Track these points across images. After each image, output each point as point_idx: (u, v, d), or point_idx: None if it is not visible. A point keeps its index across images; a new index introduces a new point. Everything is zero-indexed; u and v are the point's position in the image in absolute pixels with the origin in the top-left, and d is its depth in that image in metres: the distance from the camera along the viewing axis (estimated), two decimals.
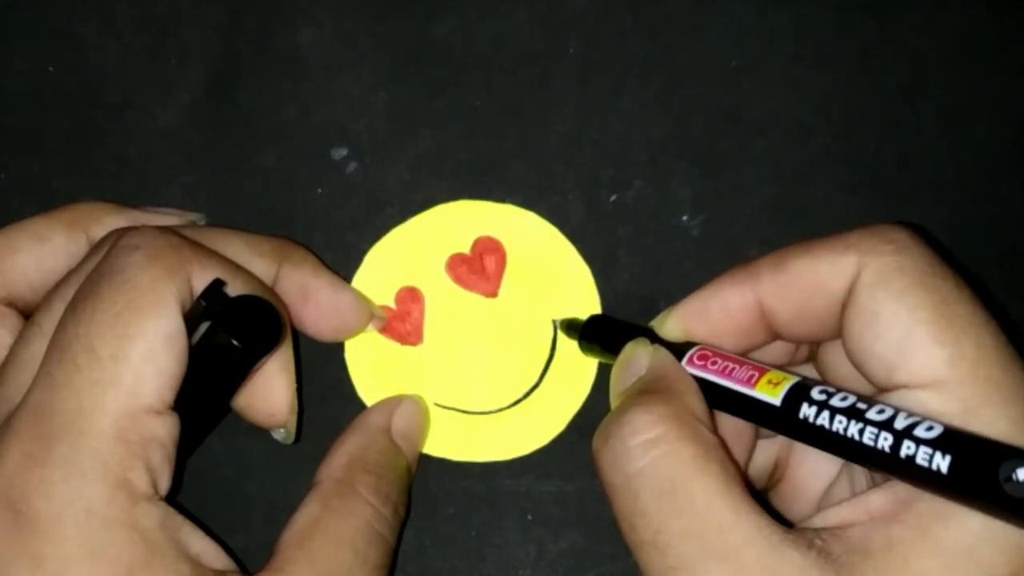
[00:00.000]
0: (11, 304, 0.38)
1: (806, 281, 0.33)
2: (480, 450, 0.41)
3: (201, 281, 0.34)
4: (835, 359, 0.35)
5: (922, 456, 0.28)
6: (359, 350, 0.42)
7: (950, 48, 0.44)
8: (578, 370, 0.41)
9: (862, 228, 0.33)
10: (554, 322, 0.42)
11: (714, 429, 0.32)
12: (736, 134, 0.44)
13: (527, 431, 0.41)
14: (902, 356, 0.31)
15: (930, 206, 0.43)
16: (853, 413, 0.30)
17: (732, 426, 0.35)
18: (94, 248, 0.37)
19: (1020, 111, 0.44)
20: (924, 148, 0.44)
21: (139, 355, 0.32)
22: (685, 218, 0.43)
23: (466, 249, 0.42)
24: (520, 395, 0.41)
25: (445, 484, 0.41)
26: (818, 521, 0.31)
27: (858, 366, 0.32)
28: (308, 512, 0.35)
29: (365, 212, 0.43)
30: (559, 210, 0.43)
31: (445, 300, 0.42)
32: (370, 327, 0.41)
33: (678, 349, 0.35)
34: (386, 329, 0.42)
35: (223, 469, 0.41)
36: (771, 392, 0.32)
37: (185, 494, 0.35)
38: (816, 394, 0.31)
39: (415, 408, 0.40)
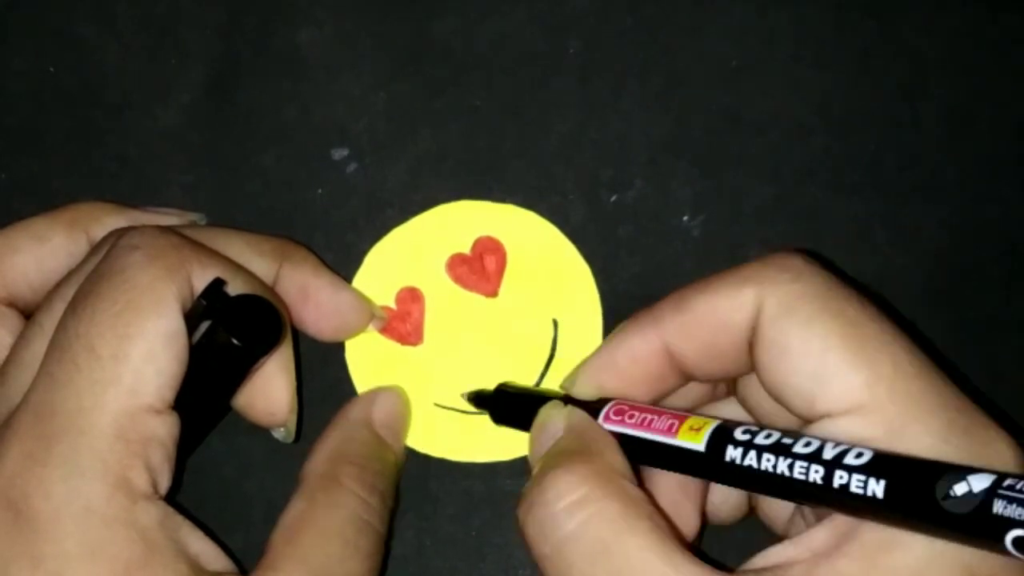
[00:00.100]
0: (11, 304, 0.38)
1: (708, 319, 0.33)
2: (480, 450, 0.41)
3: (201, 280, 0.34)
4: (756, 392, 0.34)
5: (856, 484, 0.28)
6: (359, 350, 0.42)
7: (950, 48, 0.44)
8: None
9: (758, 260, 0.33)
10: (554, 322, 0.42)
11: (639, 483, 0.32)
12: (736, 134, 0.44)
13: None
14: (819, 386, 0.30)
15: (930, 206, 0.43)
16: (779, 449, 0.30)
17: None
18: (94, 248, 0.37)
19: (1020, 111, 0.44)
20: (924, 148, 0.44)
21: (139, 354, 0.32)
22: (685, 218, 0.43)
23: (466, 249, 0.42)
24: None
25: (445, 484, 0.41)
26: (760, 561, 0.30)
27: (777, 399, 0.32)
28: (295, 508, 0.35)
29: (365, 212, 0.43)
30: (559, 210, 0.43)
31: (445, 300, 0.42)
32: (370, 327, 0.41)
33: (593, 407, 0.35)
34: (386, 329, 0.42)
35: (223, 469, 0.41)
36: (694, 438, 0.32)
37: (185, 494, 0.35)
38: (740, 435, 0.31)
39: (395, 399, 0.40)
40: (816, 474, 0.29)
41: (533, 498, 0.31)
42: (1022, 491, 0.26)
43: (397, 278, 0.42)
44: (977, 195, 0.43)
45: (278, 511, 0.35)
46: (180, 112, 0.44)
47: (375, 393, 0.40)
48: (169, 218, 0.40)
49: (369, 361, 0.42)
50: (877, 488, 0.28)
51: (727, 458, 0.31)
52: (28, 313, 0.37)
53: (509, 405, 0.39)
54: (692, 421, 0.32)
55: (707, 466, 0.32)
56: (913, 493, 0.27)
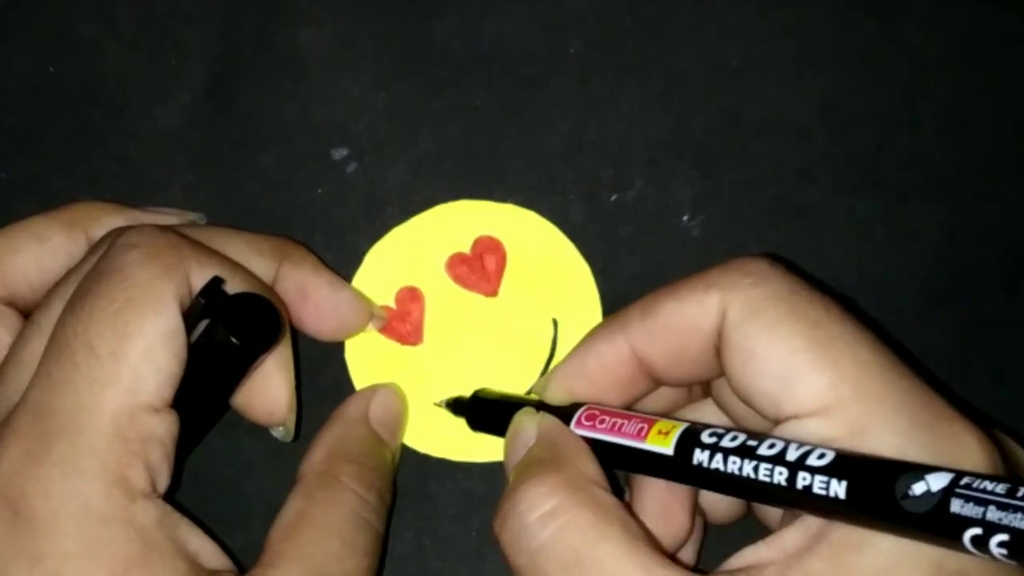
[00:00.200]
0: (11, 304, 0.38)
1: (674, 325, 0.33)
2: (480, 450, 0.41)
3: (200, 279, 0.34)
4: (730, 394, 0.34)
5: (818, 485, 0.28)
6: (359, 350, 0.42)
7: (950, 48, 0.44)
8: None
9: (722, 264, 0.33)
10: (554, 322, 0.42)
11: (612, 489, 0.32)
12: (736, 134, 0.44)
13: None
14: (785, 388, 0.30)
15: (930, 206, 0.43)
16: (745, 452, 0.30)
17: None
18: (93, 247, 0.37)
19: (1020, 111, 0.44)
20: (924, 148, 0.44)
21: (138, 353, 0.32)
22: (685, 218, 0.43)
23: (466, 249, 0.42)
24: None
25: (445, 484, 0.41)
26: (735, 562, 0.30)
27: (746, 402, 0.32)
28: (293, 506, 0.35)
29: (365, 212, 0.43)
30: (559, 210, 0.43)
31: (445, 300, 0.42)
32: (370, 327, 0.41)
33: (566, 412, 0.35)
34: (386, 329, 0.42)
35: (223, 469, 0.41)
36: (662, 442, 0.32)
37: (185, 493, 0.35)
38: (706, 438, 0.31)
39: (392, 396, 0.40)
40: (780, 476, 0.29)
41: (507, 510, 0.32)
42: (979, 489, 0.26)
43: (397, 278, 0.42)
44: (977, 195, 0.43)
45: (277, 510, 0.35)
46: (180, 112, 0.44)
47: (372, 390, 0.40)
48: (169, 218, 0.40)
49: (369, 361, 0.41)
50: (839, 489, 0.28)
51: (695, 461, 0.31)
52: (27, 313, 0.37)
53: (485, 412, 0.39)
54: (661, 425, 0.33)
55: (676, 469, 0.32)
56: (873, 493, 0.27)
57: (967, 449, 0.29)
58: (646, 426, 0.33)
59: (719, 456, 0.30)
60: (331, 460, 0.37)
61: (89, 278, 0.33)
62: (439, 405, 0.41)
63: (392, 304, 0.42)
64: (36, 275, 0.38)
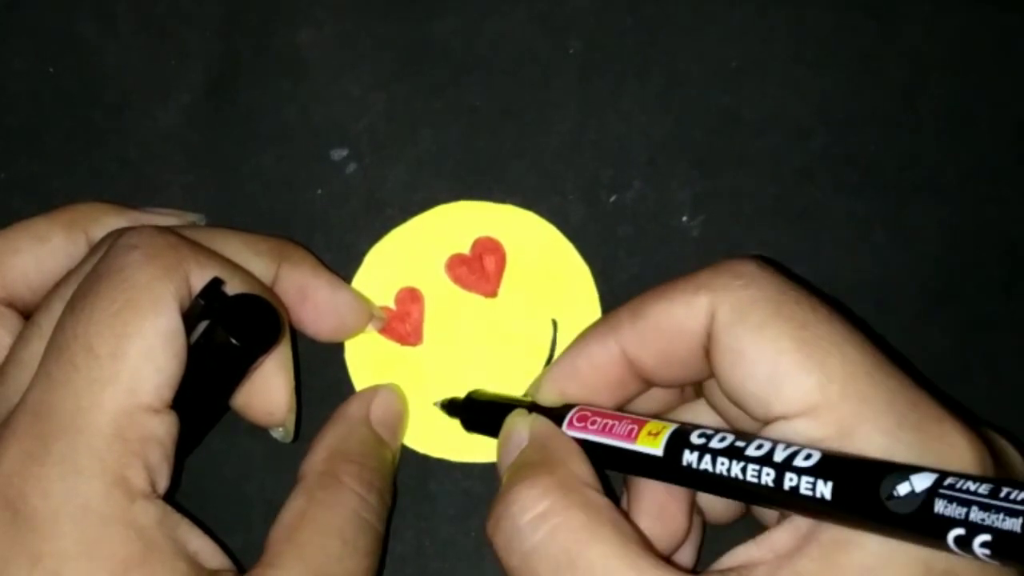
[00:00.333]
0: (10, 304, 0.38)
1: (664, 326, 0.33)
2: (480, 450, 0.41)
3: (199, 280, 0.34)
4: (721, 395, 0.34)
5: (805, 486, 0.28)
6: (359, 350, 0.42)
7: (950, 48, 0.44)
8: None
9: (711, 266, 0.33)
10: (554, 322, 0.42)
11: (604, 490, 0.32)
12: (736, 134, 0.44)
13: None
14: (773, 389, 0.31)
15: (930, 206, 0.43)
16: (733, 452, 0.30)
17: None
18: (93, 248, 0.37)
19: (1020, 111, 0.44)
20: (924, 148, 0.44)
21: (137, 353, 0.32)
22: (685, 219, 0.43)
23: (466, 249, 0.42)
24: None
25: (445, 484, 0.41)
26: (726, 561, 0.30)
27: (735, 403, 0.32)
28: (294, 506, 0.35)
29: (365, 212, 0.43)
30: (559, 210, 0.43)
31: (445, 300, 0.42)
32: (370, 327, 0.41)
33: (559, 414, 0.35)
34: (386, 329, 0.42)
35: (223, 469, 0.41)
36: (652, 443, 0.32)
37: (185, 493, 0.35)
38: (695, 439, 0.31)
39: (393, 397, 0.40)
40: (768, 476, 0.29)
41: (499, 512, 0.32)
42: (962, 490, 0.26)
43: (397, 278, 0.42)
44: (977, 195, 0.43)
45: (277, 510, 0.35)
46: (180, 112, 0.44)
47: (373, 391, 0.40)
48: (169, 218, 0.40)
49: (369, 361, 0.42)
50: (825, 489, 0.28)
51: (684, 462, 0.31)
52: (27, 313, 0.37)
53: (479, 413, 0.39)
54: (651, 426, 0.33)
55: (666, 470, 0.32)
56: (859, 494, 0.28)
57: (955, 448, 0.29)
58: (636, 427, 0.33)
59: (708, 457, 0.31)
60: (332, 460, 0.37)
61: (89, 279, 0.33)
62: (435, 405, 0.41)
63: (392, 305, 0.42)
64: (36, 276, 0.38)
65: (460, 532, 0.41)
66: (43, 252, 0.38)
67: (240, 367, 0.35)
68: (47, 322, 0.34)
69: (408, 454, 0.41)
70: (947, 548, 0.26)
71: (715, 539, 0.37)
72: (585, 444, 0.34)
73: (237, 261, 0.37)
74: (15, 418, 0.32)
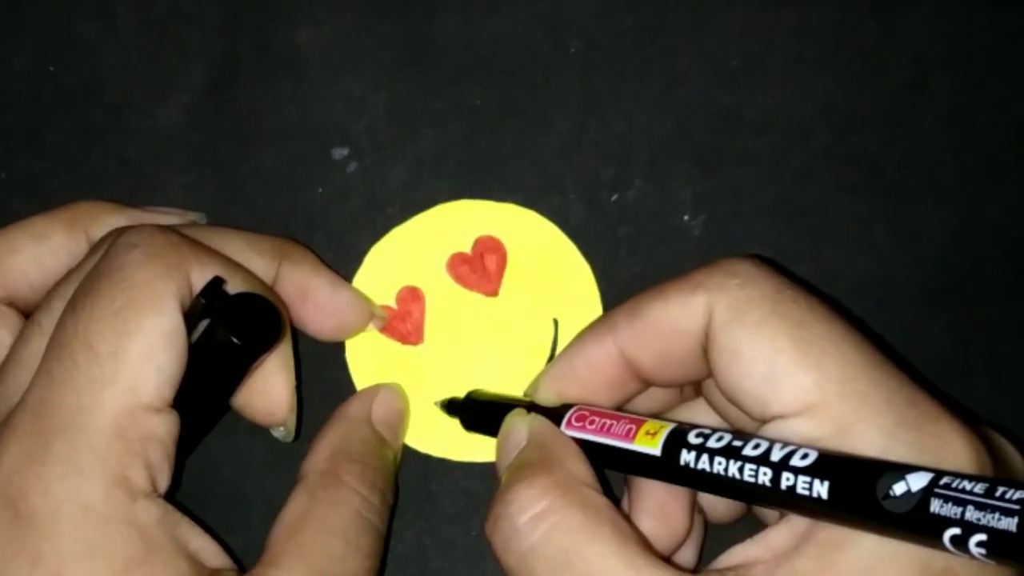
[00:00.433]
0: (11, 304, 0.38)
1: (661, 326, 0.33)
2: (480, 450, 0.41)
3: (200, 279, 0.34)
4: (719, 393, 0.34)
5: (802, 485, 0.28)
6: (359, 350, 0.42)
7: (950, 48, 0.44)
8: None
9: (708, 265, 0.33)
10: (555, 321, 0.42)
11: (602, 490, 0.32)
12: (736, 134, 0.44)
13: None
14: (771, 389, 0.31)
15: (930, 206, 0.43)
16: (730, 452, 0.30)
17: None
18: (94, 247, 0.37)
19: (1020, 111, 0.44)
20: (924, 148, 0.44)
21: (138, 352, 0.32)
22: (686, 218, 0.43)
23: (467, 249, 0.42)
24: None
25: (445, 484, 0.41)
26: (724, 561, 0.30)
27: (733, 403, 0.32)
28: (296, 505, 0.35)
29: (365, 212, 0.43)
30: (559, 210, 0.43)
31: (446, 300, 0.42)
32: (371, 327, 0.41)
33: (557, 413, 0.35)
34: (387, 329, 0.42)
35: (223, 469, 0.41)
36: (650, 443, 0.32)
37: (185, 493, 0.35)
38: (693, 438, 0.31)
39: (394, 396, 0.40)
40: (765, 476, 0.29)
41: (498, 512, 0.32)
42: (958, 489, 0.26)
43: (397, 277, 0.42)
44: (977, 195, 0.43)
45: (278, 510, 0.35)
46: (180, 112, 0.44)
47: (375, 390, 0.40)
48: (169, 218, 0.40)
49: (369, 361, 0.41)
50: (821, 489, 0.28)
51: (681, 462, 0.31)
52: (28, 312, 0.37)
53: (478, 412, 0.39)
54: (649, 426, 0.33)
55: (664, 470, 0.32)
56: (855, 493, 0.28)
57: (952, 447, 0.29)
58: (634, 427, 0.33)
59: (705, 457, 0.31)
60: (334, 460, 0.37)
61: (90, 278, 0.33)
62: (436, 405, 0.41)
63: (393, 304, 0.42)
64: (36, 275, 0.38)
65: (461, 532, 0.41)
66: (43, 251, 0.38)
67: (241, 366, 0.35)
68: (48, 321, 0.34)
69: (409, 454, 0.41)
70: (943, 548, 0.26)
71: (717, 538, 0.37)
72: (584, 444, 0.34)
73: (238, 260, 0.37)
74: (16, 417, 0.32)
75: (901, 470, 0.27)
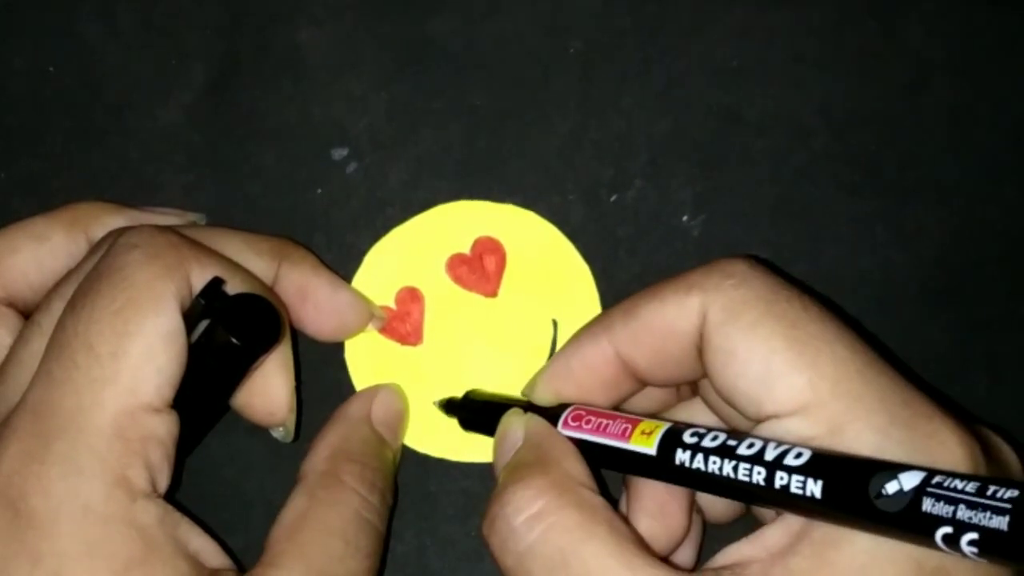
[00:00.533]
0: (11, 304, 0.38)
1: (656, 326, 0.33)
2: (480, 450, 0.41)
3: (200, 279, 0.34)
4: (716, 393, 0.35)
5: (795, 484, 0.29)
6: (359, 350, 0.42)
7: (950, 48, 0.44)
8: None
9: (703, 266, 0.33)
10: (554, 322, 0.42)
11: (598, 489, 0.32)
12: (736, 134, 0.44)
13: None
14: (765, 389, 0.31)
15: (930, 206, 0.43)
16: (725, 451, 0.30)
17: None
18: (94, 248, 0.37)
19: (1020, 111, 0.44)
20: (924, 148, 0.44)
21: (138, 353, 0.32)
22: (686, 218, 0.43)
23: (466, 249, 0.42)
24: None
25: (445, 484, 0.41)
26: (720, 560, 0.31)
27: (728, 402, 0.32)
28: (296, 505, 0.35)
29: (365, 212, 0.43)
30: (559, 210, 0.43)
31: (445, 300, 0.42)
32: (370, 327, 0.41)
33: (554, 413, 0.35)
34: (386, 329, 0.42)
35: (223, 469, 0.41)
36: (646, 443, 0.32)
37: (185, 493, 0.35)
38: (688, 438, 0.31)
39: (394, 396, 0.40)
40: (759, 475, 0.29)
41: (494, 513, 0.32)
42: (950, 488, 0.26)
43: (397, 278, 0.42)
44: (977, 195, 0.43)
45: (277, 510, 0.35)
46: (180, 112, 0.44)
47: (374, 390, 0.40)
48: (169, 218, 0.40)
49: (369, 361, 0.41)
50: (815, 488, 0.28)
51: (676, 461, 0.31)
52: (27, 313, 0.37)
53: (476, 412, 0.39)
54: (644, 425, 0.33)
55: (659, 469, 0.32)
56: (848, 492, 0.28)
57: (946, 446, 0.29)
58: (630, 426, 0.33)
59: (700, 456, 0.31)
60: (334, 460, 0.37)
61: (90, 278, 0.33)
62: (435, 405, 0.41)
63: (392, 304, 0.42)
64: (36, 275, 0.38)
65: (460, 532, 0.41)
66: (43, 251, 0.38)
67: (240, 367, 0.35)
68: (47, 321, 0.34)
69: (408, 454, 0.41)
70: (936, 546, 0.26)
71: (716, 538, 0.37)
72: (580, 443, 0.34)
73: (238, 261, 0.37)
74: (15, 417, 0.32)
75: (894, 469, 0.27)
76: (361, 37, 0.44)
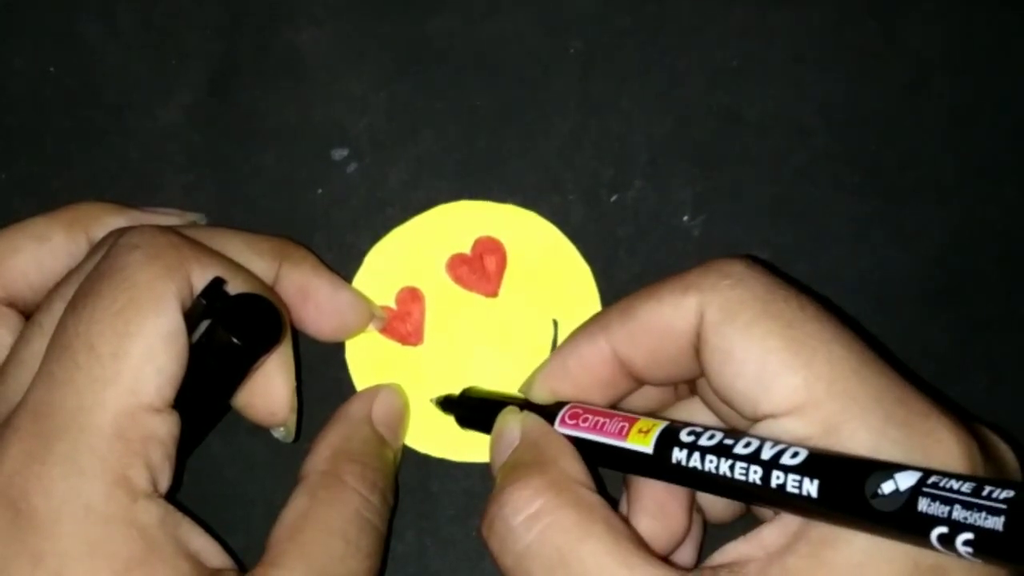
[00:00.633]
0: (11, 304, 0.38)
1: (653, 326, 0.33)
2: (480, 450, 0.41)
3: (201, 280, 0.34)
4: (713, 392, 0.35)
5: (792, 484, 0.29)
6: (359, 350, 0.42)
7: (950, 48, 0.44)
8: None
9: (700, 266, 0.33)
10: (554, 322, 0.42)
11: (596, 488, 0.32)
12: (736, 134, 0.44)
13: None
14: (761, 388, 0.31)
15: (930, 206, 0.43)
16: (721, 450, 0.30)
17: None
18: (94, 248, 0.37)
19: (1020, 111, 0.44)
20: (924, 148, 0.44)
21: (139, 353, 0.32)
22: (686, 218, 0.43)
23: (466, 249, 0.42)
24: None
25: (445, 484, 0.41)
26: (717, 558, 0.31)
27: (725, 402, 0.32)
28: (297, 505, 0.35)
29: (365, 212, 0.43)
30: (559, 210, 0.43)
31: (445, 300, 0.42)
32: (370, 327, 0.41)
33: (551, 411, 0.35)
34: (386, 329, 0.42)
35: (223, 469, 0.41)
36: (643, 441, 0.32)
37: (186, 493, 0.35)
38: (685, 436, 0.31)
39: (394, 396, 0.40)
40: (755, 474, 0.29)
41: (493, 513, 0.32)
42: (946, 488, 0.26)
43: (397, 278, 0.42)
44: (977, 195, 0.43)
45: (278, 510, 0.35)
46: (180, 112, 0.44)
47: (375, 390, 0.40)
48: (169, 218, 0.40)
49: (369, 361, 0.42)
50: (811, 487, 0.28)
51: (673, 460, 0.31)
52: (28, 313, 0.37)
53: (472, 410, 0.39)
54: (642, 424, 0.33)
55: (656, 468, 0.32)
56: (844, 492, 0.28)
57: (942, 445, 0.29)
58: (627, 425, 0.33)
59: (696, 455, 0.31)
60: (335, 460, 0.37)
61: (91, 278, 0.33)
62: (432, 402, 0.41)
63: (392, 304, 0.42)
64: (36, 275, 0.38)
65: (461, 532, 0.41)
66: (43, 252, 0.38)
67: (241, 367, 0.35)
68: (48, 321, 0.34)
69: (409, 454, 0.41)
70: (931, 546, 0.26)
71: (717, 538, 0.37)
72: (577, 442, 0.34)
73: (238, 261, 0.37)
74: (17, 417, 0.32)
75: (890, 469, 0.27)
76: (361, 37, 0.44)
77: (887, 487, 0.27)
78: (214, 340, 0.34)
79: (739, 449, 0.30)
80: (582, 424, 0.34)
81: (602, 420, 0.34)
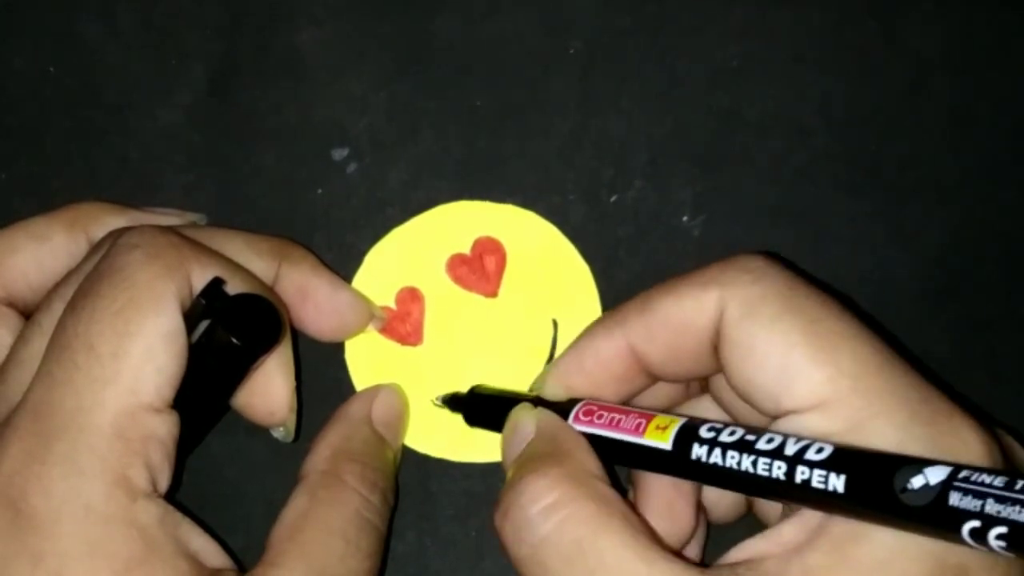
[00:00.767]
0: (11, 304, 0.38)
1: (672, 321, 0.33)
2: (480, 450, 0.41)
3: (201, 280, 0.34)
4: (727, 390, 0.34)
5: (817, 479, 0.28)
6: (359, 350, 0.42)
7: (950, 48, 0.44)
8: None
9: (721, 261, 0.33)
10: (554, 322, 0.42)
11: (612, 483, 0.32)
12: (736, 134, 0.44)
13: None
14: (784, 384, 0.31)
15: (930, 206, 0.43)
16: (743, 446, 0.30)
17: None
18: (94, 248, 0.37)
19: (1020, 111, 0.44)
20: (924, 148, 0.44)
21: (139, 353, 0.32)
22: (686, 218, 0.43)
23: (466, 249, 0.42)
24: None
25: (445, 484, 0.41)
26: (734, 555, 0.30)
27: (744, 398, 0.32)
28: (297, 505, 0.35)
29: (365, 212, 0.43)
30: (559, 210, 0.43)
31: (445, 300, 0.42)
32: (370, 327, 0.41)
33: (564, 408, 0.35)
34: (386, 329, 0.42)
35: (223, 469, 0.41)
36: (660, 437, 0.32)
37: (185, 493, 0.35)
38: (705, 432, 0.31)
39: (394, 396, 0.40)
40: (779, 470, 0.29)
41: (508, 502, 0.32)
42: (977, 482, 0.26)
43: (397, 278, 0.42)
44: (977, 195, 0.43)
45: (278, 510, 0.35)
46: (180, 112, 0.44)
47: (375, 390, 0.40)
48: (169, 218, 0.40)
49: (369, 361, 0.41)
50: (838, 483, 0.28)
51: (693, 456, 0.31)
52: (28, 313, 0.37)
53: (482, 407, 0.39)
54: (659, 420, 0.33)
55: (674, 464, 0.32)
56: (872, 487, 0.28)
57: (966, 443, 0.29)
58: (644, 421, 0.33)
59: (718, 451, 0.31)
60: (335, 460, 0.37)
61: (90, 278, 0.33)
62: (436, 402, 0.41)
63: (392, 305, 0.42)
64: (36, 275, 0.38)
65: (461, 532, 0.41)
66: (43, 252, 0.38)
67: (241, 367, 0.35)
68: (48, 321, 0.34)
69: (409, 454, 0.41)
70: (962, 541, 0.26)
71: (717, 537, 0.37)
72: (591, 438, 0.34)
73: (238, 261, 0.37)
74: (16, 417, 0.32)
75: (919, 464, 0.27)
76: (361, 37, 0.44)
77: (916, 481, 0.27)
78: (214, 340, 0.34)
79: (762, 445, 0.30)
80: (597, 420, 0.34)
81: (617, 416, 0.34)
